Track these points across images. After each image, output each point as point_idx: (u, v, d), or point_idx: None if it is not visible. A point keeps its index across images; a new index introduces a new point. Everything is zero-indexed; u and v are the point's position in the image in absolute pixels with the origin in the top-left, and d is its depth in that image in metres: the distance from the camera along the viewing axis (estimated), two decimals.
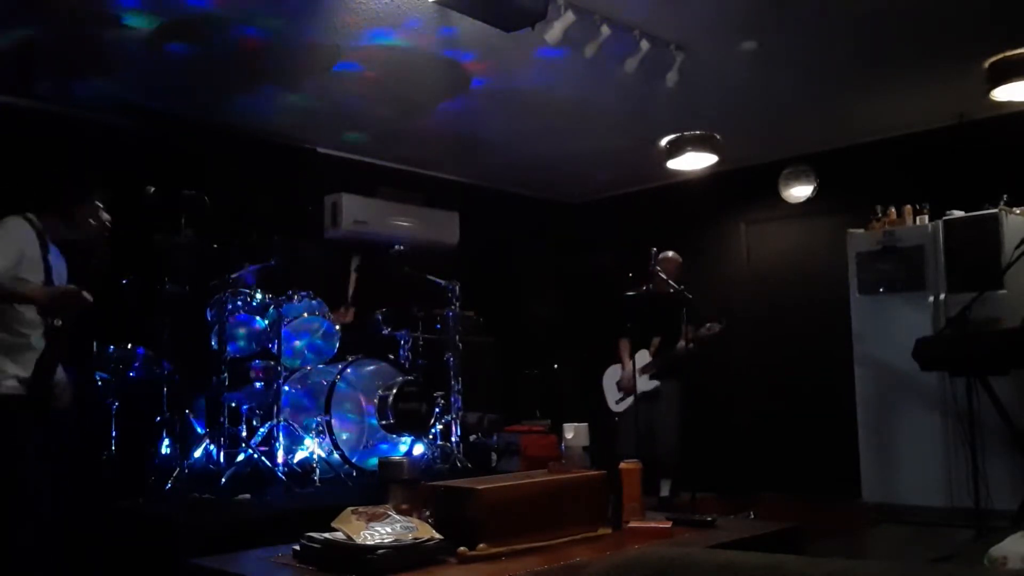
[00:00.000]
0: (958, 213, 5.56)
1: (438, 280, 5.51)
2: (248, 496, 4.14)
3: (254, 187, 5.75)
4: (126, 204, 4.72)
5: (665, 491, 5.61)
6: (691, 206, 7.28)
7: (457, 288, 5.49)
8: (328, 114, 5.74)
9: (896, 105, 5.77)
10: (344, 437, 4.93)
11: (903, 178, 6.13)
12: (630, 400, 5.61)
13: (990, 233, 5.31)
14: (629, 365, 5.80)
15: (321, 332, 5.17)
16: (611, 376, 5.98)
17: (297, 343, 5.10)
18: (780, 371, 6.71)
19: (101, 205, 3.48)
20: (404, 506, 2.58)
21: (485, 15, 3.97)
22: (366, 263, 6.07)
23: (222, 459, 4.36)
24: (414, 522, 2.43)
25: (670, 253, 5.86)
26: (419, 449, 5.08)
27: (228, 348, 4.58)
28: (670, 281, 5.51)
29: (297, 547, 2.43)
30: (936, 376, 5.35)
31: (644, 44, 4.56)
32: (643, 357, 5.73)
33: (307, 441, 4.83)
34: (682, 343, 5.56)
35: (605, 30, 4.37)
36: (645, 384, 5.64)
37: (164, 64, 4.85)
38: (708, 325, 5.58)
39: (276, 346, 4.71)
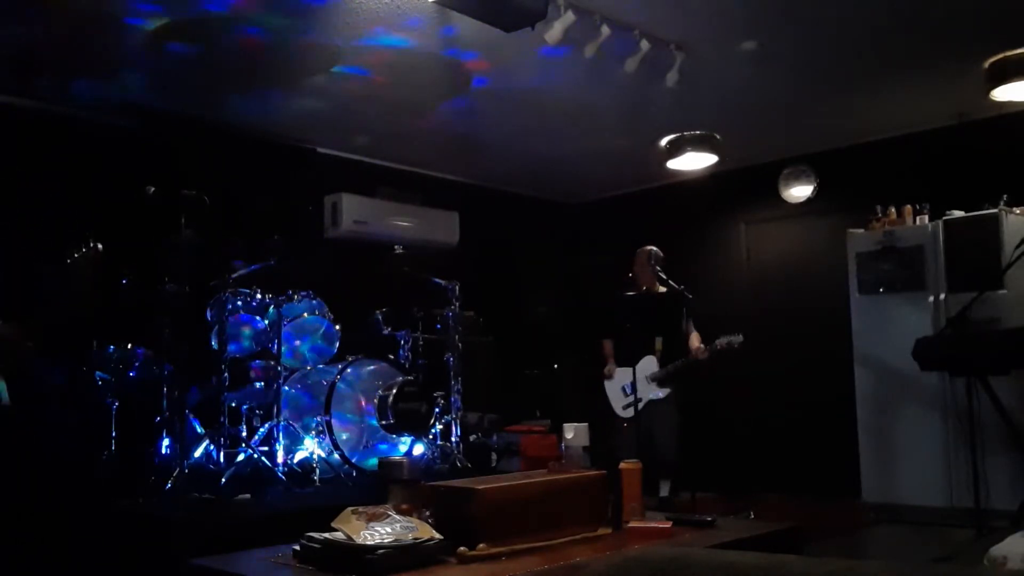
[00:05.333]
0: (958, 213, 5.56)
1: (438, 280, 5.51)
2: (248, 496, 4.14)
3: (254, 187, 5.76)
4: (126, 204, 4.76)
5: (664, 491, 5.60)
6: (691, 206, 7.28)
7: (457, 288, 5.48)
8: (328, 114, 5.74)
9: (896, 105, 5.77)
10: (344, 437, 4.93)
11: (903, 178, 6.14)
12: (639, 404, 5.58)
13: (990, 233, 5.32)
14: (612, 362, 5.81)
15: (321, 332, 5.17)
16: (616, 380, 5.92)
17: (297, 343, 5.10)
18: (780, 371, 6.71)
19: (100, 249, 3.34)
20: (404, 506, 2.57)
21: (485, 15, 3.97)
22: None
23: (222, 459, 4.36)
24: (414, 522, 2.43)
25: (653, 248, 5.79)
26: (419, 449, 5.08)
27: (228, 348, 4.58)
28: (665, 279, 5.48)
29: (297, 547, 2.43)
30: (936, 376, 5.35)
31: (644, 44, 4.56)
32: (650, 362, 5.64)
33: (307, 441, 4.82)
34: (700, 347, 5.52)
35: (605, 30, 4.37)
36: (655, 392, 5.58)
37: (164, 64, 4.85)
38: (728, 339, 5.45)
39: (276, 346, 4.71)
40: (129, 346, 4.61)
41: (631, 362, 5.42)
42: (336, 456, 4.75)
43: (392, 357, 5.39)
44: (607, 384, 5.87)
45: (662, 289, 5.60)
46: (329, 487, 4.56)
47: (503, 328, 6.87)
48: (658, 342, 5.70)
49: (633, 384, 5.27)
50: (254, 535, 2.97)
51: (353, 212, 6.24)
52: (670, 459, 5.51)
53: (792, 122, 6.15)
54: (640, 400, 5.36)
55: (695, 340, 5.61)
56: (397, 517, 2.44)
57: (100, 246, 3.30)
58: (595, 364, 6.11)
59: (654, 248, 5.77)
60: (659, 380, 5.58)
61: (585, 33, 4.36)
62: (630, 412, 5.64)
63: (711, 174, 6.88)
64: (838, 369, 5.97)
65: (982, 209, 5.41)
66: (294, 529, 2.52)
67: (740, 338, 5.42)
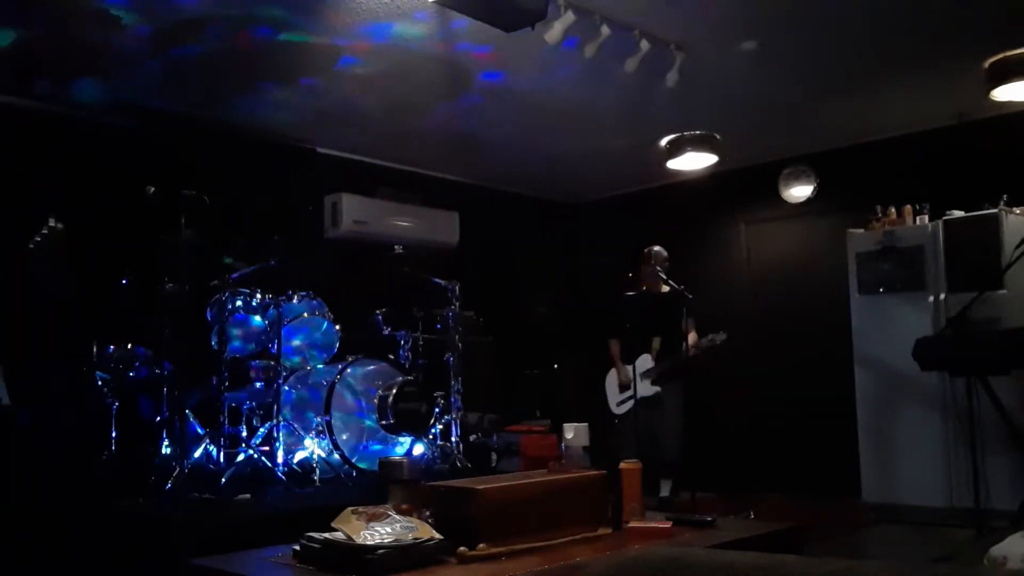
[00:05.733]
0: (958, 213, 5.56)
1: (438, 280, 5.51)
2: (248, 496, 4.13)
3: (254, 187, 5.76)
4: (126, 204, 4.76)
5: (665, 491, 5.61)
6: (691, 206, 7.29)
7: (457, 288, 5.48)
8: (328, 114, 5.74)
9: (896, 105, 5.77)
10: (344, 437, 4.93)
11: (903, 178, 6.14)
12: (631, 403, 5.60)
13: (990, 233, 5.32)
14: (621, 364, 5.83)
15: (321, 332, 5.17)
16: (613, 378, 5.95)
17: (297, 343, 5.10)
18: (780, 371, 6.71)
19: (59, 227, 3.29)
20: (404, 506, 2.57)
21: (485, 15, 3.97)
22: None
23: (222, 459, 4.36)
24: (414, 522, 2.43)
25: (656, 248, 5.84)
26: (419, 449, 5.07)
27: (228, 348, 4.58)
28: (666, 279, 5.50)
29: (297, 547, 2.43)
30: (936, 376, 5.35)
31: (644, 44, 4.56)
32: (645, 361, 5.69)
33: (307, 441, 4.82)
34: (689, 345, 5.57)
35: (605, 30, 4.37)
36: (647, 389, 5.61)
37: (164, 64, 4.85)
38: (711, 336, 5.52)
39: (276, 346, 4.71)
40: (129, 346, 4.60)
41: (630, 361, 5.46)
42: (336, 456, 4.75)
43: (392, 357, 5.39)
44: (607, 382, 5.90)
45: (665, 289, 5.61)
46: (329, 487, 4.56)
47: (503, 328, 6.86)
48: (656, 341, 5.73)
49: (633, 382, 5.30)
50: (254, 535, 2.97)
51: (353, 212, 6.24)
52: (672, 459, 5.52)
53: (792, 122, 6.15)
54: (632, 398, 5.41)
55: (692, 339, 5.63)
56: (397, 517, 2.44)
57: (61, 225, 3.25)
58: (596, 364, 6.12)
59: (656, 248, 5.79)
60: (649, 378, 5.62)
61: (585, 33, 4.36)
62: (623, 409, 5.69)
63: (711, 174, 6.88)
64: (838, 369, 5.97)
65: (982, 209, 5.41)
66: (294, 529, 2.52)
67: (723, 336, 5.49)
